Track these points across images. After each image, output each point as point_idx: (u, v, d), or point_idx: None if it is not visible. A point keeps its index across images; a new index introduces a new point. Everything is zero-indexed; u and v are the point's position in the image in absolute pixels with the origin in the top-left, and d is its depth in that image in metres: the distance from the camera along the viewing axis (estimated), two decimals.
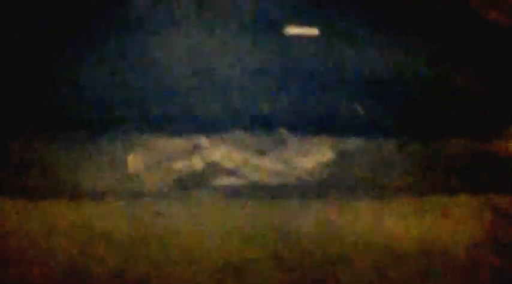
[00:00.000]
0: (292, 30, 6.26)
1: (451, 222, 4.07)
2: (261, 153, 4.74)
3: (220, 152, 4.71)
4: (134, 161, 4.55)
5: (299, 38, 6.09)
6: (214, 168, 4.53)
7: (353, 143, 4.88)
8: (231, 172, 4.50)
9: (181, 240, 3.71)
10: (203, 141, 4.81)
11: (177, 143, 4.77)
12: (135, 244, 3.67)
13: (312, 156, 4.73)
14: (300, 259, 3.58)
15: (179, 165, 4.55)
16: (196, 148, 4.74)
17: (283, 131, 4.99)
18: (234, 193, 4.26)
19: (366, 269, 3.52)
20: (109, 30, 5.79)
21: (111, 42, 5.68)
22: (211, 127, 4.93)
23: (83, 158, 4.48)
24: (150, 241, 3.69)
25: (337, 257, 3.61)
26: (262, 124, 5.02)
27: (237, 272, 3.46)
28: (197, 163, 4.58)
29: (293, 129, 4.99)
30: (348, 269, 3.52)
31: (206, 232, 3.80)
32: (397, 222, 3.99)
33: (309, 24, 6.24)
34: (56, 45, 5.60)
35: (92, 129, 4.75)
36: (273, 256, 3.58)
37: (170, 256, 3.57)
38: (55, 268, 3.51)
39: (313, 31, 6.29)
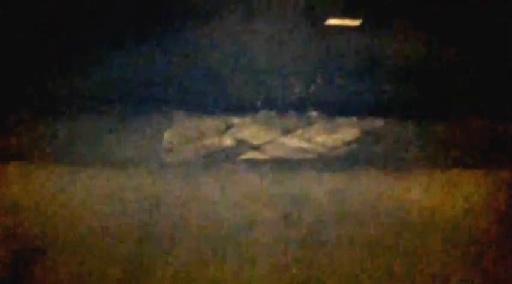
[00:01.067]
0: (332, 20, 6.57)
1: (461, 194, 4.31)
2: (288, 131, 5.09)
3: (250, 131, 5.08)
4: (170, 137, 4.96)
5: (335, 27, 6.40)
6: (242, 145, 4.90)
7: (377, 123, 5.17)
8: (256, 149, 4.86)
9: (204, 202, 4.08)
10: (234, 120, 5.19)
11: (211, 122, 5.16)
12: (165, 204, 4.05)
13: (336, 135, 5.05)
14: (307, 219, 3.91)
15: (210, 141, 4.94)
16: (228, 126, 5.12)
17: (312, 112, 5.31)
18: (256, 166, 4.61)
19: (367, 227, 3.82)
20: (155, 19, 6.23)
21: (157, 30, 6.13)
22: (244, 108, 5.31)
23: (126, 131, 4.95)
24: (178, 202, 4.07)
25: (340, 217, 3.93)
26: (293, 106, 5.37)
27: (250, 228, 3.81)
28: (227, 140, 4.96)
29: (321, 110, 5.32)
30: (351, 227, 3.83)
31: (227, 196, 4.16)
32: (408, 192, 4.25)
33: (349, 15, 6.54)
34: (107, 30, 6.10)
35: (135, 106, 5.22)
36: (283, 216, 3.92)
37: (194, 215, 3.95)
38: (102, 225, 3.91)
39: (354, 22, 6.59)
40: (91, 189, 4.29)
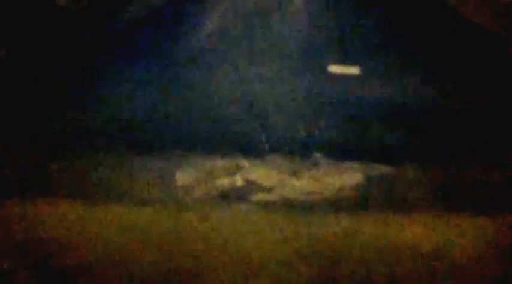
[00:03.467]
0: (334, 68, 6.82)
1: (464, 239, 4.49)
2: (296, 174, 5.27)
3: (259, 172, 5.26)
4: (182, 176, 5.13)
5: (339, 74, 6.65)
6: (252, 185, 5.07)
7: (380, 168, 5.37)
8: (267, 189, 5.04)
9: (221, 241, 4.24)
10: (244, 162, 5.37)
11: (221, 163, 5.34)
12: (182, 243, 4.19)
13: (342, 178, 5.24)
14: (320, 257, 4.08)
15: (222, 182, 5.11)
16: (238, 168, 5.30)
17: (317, 155, 5.51)
18: (268, 206, 4.78)
19: (373, 267, 3.99)
20: (165, 63, 6.45)
21: (167, 73, 6.34)
22: (252, 150, 5.50)
23: (139, 170, 5.11)
24: (195, 240, 4.21)
25: (350, 255, 4.12)
26: (298, 149, 5.57)
27: (268, 266, 3.98)
28: (238, 180, 5.14)
29: (326, 154, 5.52)
30: (359, 266, 4.01)
31: (243, 236, 4.32)
32: (412, 233, 4.44)
33: (350, 62, 6.80)
34: (115, 70, 6.32)
35: (146, 148, 5.39)
36: (298, 255, 4.09)
37: (212, 253, 4.09)
38: (110, 265, 4.04)
39: (354, 70, 6.84)
40: (108, 224, 4.42)
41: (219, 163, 5.35)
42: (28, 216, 4.51)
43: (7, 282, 3.83)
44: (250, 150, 5.51)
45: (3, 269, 3.89)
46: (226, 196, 4.92)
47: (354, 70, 6.81)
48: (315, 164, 5.43)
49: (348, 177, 5.27)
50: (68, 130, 5.66)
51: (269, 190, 5.05)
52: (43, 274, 3.85)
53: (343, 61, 6.84)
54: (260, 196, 4.96)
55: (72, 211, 4.56)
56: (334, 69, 6.81)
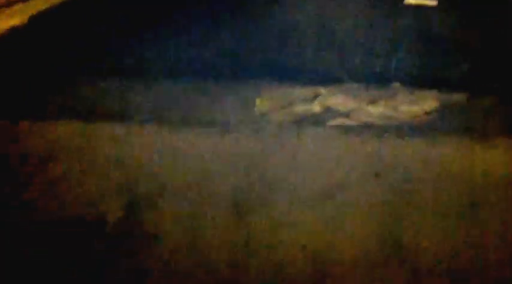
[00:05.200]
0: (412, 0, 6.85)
1: None
2: (372, 101, 5.40)
3: (336, 99, 5.41)
4: (261, 103, 5.33)
5: (417, 6, 6.68)
6: (330, 111, 5.23)
7: (456, 97, 5.44)
8: (344, 115, 5.19)
9: (296, 162, 4.43)
10: (322, 90, 5.52)
11: (300, 91, 5.52)
12: (261, 168, 4.39)
13: (418, 105, 5.34)
14: (395, 177, 4.23)
15: (300, 108, 5.28)
16: (316, 95, 5.46)
17: (396, 85, 5.61)
18: (345, 130, 4.94)
19: (443, 187, 4.13)
20: None
21: (252, 8, 6.56)
22: (331, 79, 5.64)
23: (221, 97, 5.36)
24: (271, 162, 4.42)
25: (424, 177, 4.25)
26: (376, 78, 5.69)
27: (342, 187, 4.14)
28: (315, 107, 5.30)
29: (403, 83, 5.62)
30: (432, 186, 4.14)
31: (321, 158, 4.50)
32: (487, 160, 4.53)
33: None
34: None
35: (230, 75, 5.63)
36: (374, 175, 4.25)
37: (283, 174, 4.29)
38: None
39: (431, 1, 6.85)
40: (191, 148, 4.65)
41: (298, 91, 5.52)
42: (115, 140, 4.77)
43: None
44: (329, 79, 5.65)
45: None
46: (304, 122, 5.09)
47: (431, 1, 6.82)
48: (392, 92, 5.54)
49: (424, 104, 5.37)
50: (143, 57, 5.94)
51: (346, 115, 5.19)
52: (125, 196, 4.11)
53: None
54: (337, 121, 5.11)
55: (158, 136, 4.81)
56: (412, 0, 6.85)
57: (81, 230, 3.67)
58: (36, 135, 4.78)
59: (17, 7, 7.50)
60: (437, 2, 6.72)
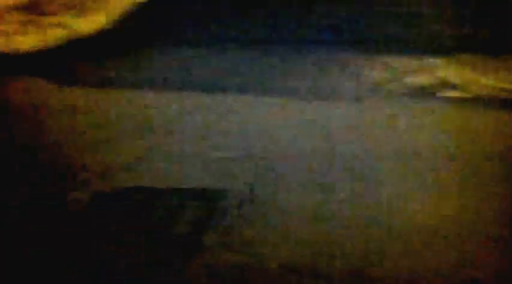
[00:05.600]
0: None
1: None
2: (486, 73, 5.22)
3: (449, 70, 5.26)
4: (373, 74, 5.26)
5: None
6: (442, 83, 5.10)
7: None
8: (455, 87, 5.04)
9: (402, 134, 4.33)
10: (435, 61, 5.39)
11: (412, 62, 5.40)
12: (369, 139, 4.33)
13: None
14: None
15: (412, 79, 5.17)
16: (429, 66, 5.33)
17: (508, 56, 5.41)
18: (457, 102, 4.80)
19: None
20: None
21: None
22: (444, 49, 5.50)
23: (328, 67, 5.33)
24: (384, 138, 4.34)
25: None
26: (490, 49, 5.50)
27: (450, 160, 4.03)
28: (428, 78, 5.18)
29: None
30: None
31: (428, 130, 4.39)
32: None
33: None
34: None
35: (336, 45, 5.59)
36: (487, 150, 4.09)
37: (392, 144, 4.20)
38: None
39: None
40: (287, 119, 4.63)
41: (410, 62, 5.41)
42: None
43: None
44: (442, 50, 5.51)
45: None
46: (415, 93, 4.98)
47: None
48: (507, 64, 5.34)
49: None
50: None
51: (457, 87, 5.05)
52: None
53: None
54: (449, 93, 4.97)
55: (256, 107, 4.81)
56: None
57: None
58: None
59: None
60: None
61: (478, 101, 4.82)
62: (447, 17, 5.97)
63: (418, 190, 3.56)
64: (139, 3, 7.22)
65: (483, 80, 5.13)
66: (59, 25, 6.82)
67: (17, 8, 7.32)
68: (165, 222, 3.33)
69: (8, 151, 4.27)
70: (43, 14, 7.17)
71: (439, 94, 4.97)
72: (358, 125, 4.43)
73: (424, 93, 4.99)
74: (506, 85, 5.03)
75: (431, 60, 5.43)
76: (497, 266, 2.92)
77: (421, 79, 5.18)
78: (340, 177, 3.71)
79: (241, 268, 2.91)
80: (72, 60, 6.15)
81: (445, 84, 5.09)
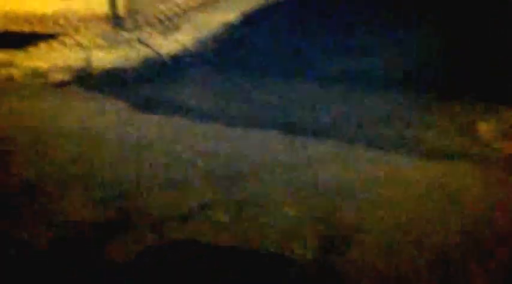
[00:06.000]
0: None
1: None
2: None
3: None
4: (485, 128, 4.65)
5: None
6: None
7: None
8: None
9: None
10: None
11: None
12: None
13: None
14: None
15: None
16: None
17: None
18: None
19: None
20: None
21: None
22: None
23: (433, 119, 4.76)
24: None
25: None
26: None
27: None
28: None
29: None
30: None
31: None
32: None
33: None
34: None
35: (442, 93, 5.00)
36: None
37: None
38: None
39: None
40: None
41: None
42: None
43: None
44: None
45: None
46: None
47: None
48: None
49: None
50: None
51: None
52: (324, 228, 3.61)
53: None
54: None
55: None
56: None
57: None
58: None
59: None
60: None
61: None
62: None
63: None
64: (230, 24, 6.73)
65: None
66: (139, 42, 6.40)
67: (97, 20, 6.94)
68: None
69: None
70: (124, 28, 6.77)
71: None
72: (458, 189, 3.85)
73: None
74: None
75: None
76: None
77: None
78: None
79: None
80: (148, 80, 5.74)
81: None
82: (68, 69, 5.93)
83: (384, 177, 3.97)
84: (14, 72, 6.01)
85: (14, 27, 7.09)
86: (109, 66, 5.96)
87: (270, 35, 6.57)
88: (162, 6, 7.21)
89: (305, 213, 3.61)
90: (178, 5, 7.23)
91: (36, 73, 5.96)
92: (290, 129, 4.71)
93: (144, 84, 5.72)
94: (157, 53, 6.15)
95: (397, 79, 5.46)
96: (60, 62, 6.04)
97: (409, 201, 3.71)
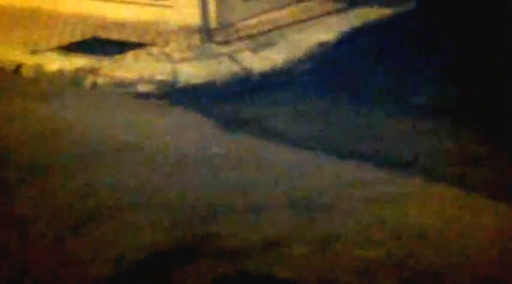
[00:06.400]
0: None
1: None
2: None
3: None
4: None
5: None
6: None
7: None
8: None
9: None
10: None
11: None
12: None
13: None
14: None
15: None
16: None
17: None
18: None
19: None
20: None
21: None
22: None
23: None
24: None
25: None
26: None
27: None
28: None
29: None
30: None
31: None
32: None
33: None
34: None
35: None
36: None
37: None
38: None
39: None
40: None
41: None
42: None
43: None
44: None
45: None
46: None
47: None
48: None
49: None
50: None
51: None
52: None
53: None
54: None
55: None
56: None
57: None
58: None
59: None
60: None
61: None
62: None
63: None
64: (326, 43, 6.37)
65: None
66: (229, 57, 6.12)
67: (187, 32, 6.71)
68: None
69: None
70: (214, 41, 6.51)
71: None
72: None
73: None
74: None
75: None
76: None
77: None
78: None
79: None
80: (235, 98, 5.45)
81: None
82: (153, 81, 5.72)
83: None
84: (99, 80, 5.85)
85: (102, 34, 6.95)
86: (195, 80, 5.71)
87: (365, 57, 6.21)
88: (254, 21, 6.93)
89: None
90: (271, 21, 6.93)
91: (120, 83, 5.77)
92: (387, 162, 4.34)
93: (230, 101, 5.43)
94: (246, 70, 5.85)
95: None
96: (145, 73, 5.83)
97: None
